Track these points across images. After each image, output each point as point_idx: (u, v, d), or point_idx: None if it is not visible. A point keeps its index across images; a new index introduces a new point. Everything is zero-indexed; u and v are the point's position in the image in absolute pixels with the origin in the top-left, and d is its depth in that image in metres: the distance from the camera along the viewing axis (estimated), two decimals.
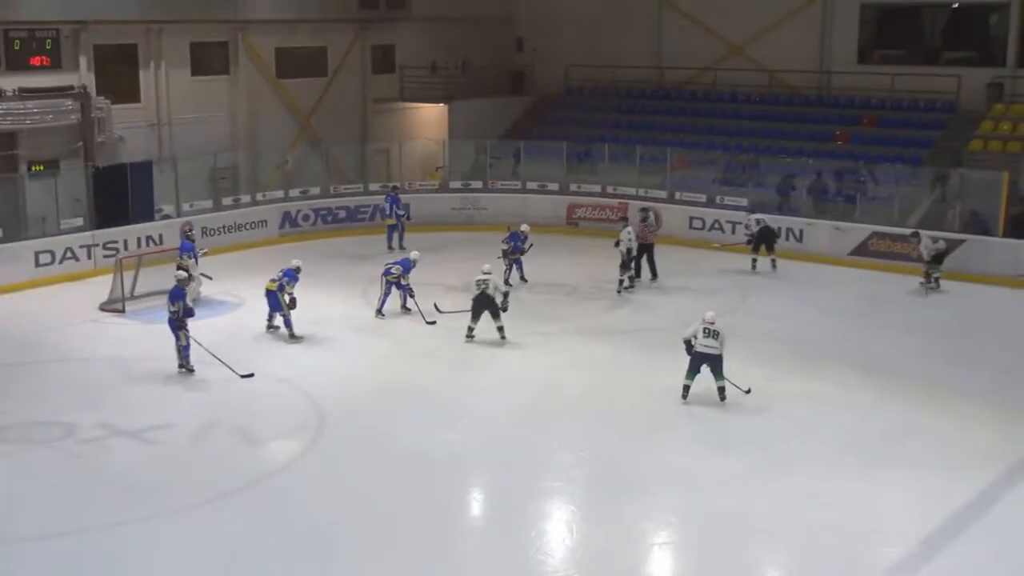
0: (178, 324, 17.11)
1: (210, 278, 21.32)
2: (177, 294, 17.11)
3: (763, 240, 24.12)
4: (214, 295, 21.48)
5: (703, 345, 15.57)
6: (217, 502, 12.93)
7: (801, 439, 14.79)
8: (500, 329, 18.77)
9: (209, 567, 11.51)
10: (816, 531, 12.20)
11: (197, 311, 20.57)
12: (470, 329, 18.88)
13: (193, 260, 20.89)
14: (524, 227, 22.68)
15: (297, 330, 18.99)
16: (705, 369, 15.66)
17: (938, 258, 22.32)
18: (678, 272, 24.03)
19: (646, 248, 22.90)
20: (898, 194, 25.47)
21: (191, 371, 17.19)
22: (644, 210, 24.02)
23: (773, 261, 24.03)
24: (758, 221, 24.22)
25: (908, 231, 23.36)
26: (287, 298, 18.91)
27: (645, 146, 29.42)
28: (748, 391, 15.86)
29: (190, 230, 21.97)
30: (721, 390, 15.64)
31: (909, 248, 23.38)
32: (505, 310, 18.76)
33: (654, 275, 23.06)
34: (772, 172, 27.86)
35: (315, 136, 31.52)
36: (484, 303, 18.67)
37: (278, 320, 19.16)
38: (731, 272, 24.02)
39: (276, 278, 19.00)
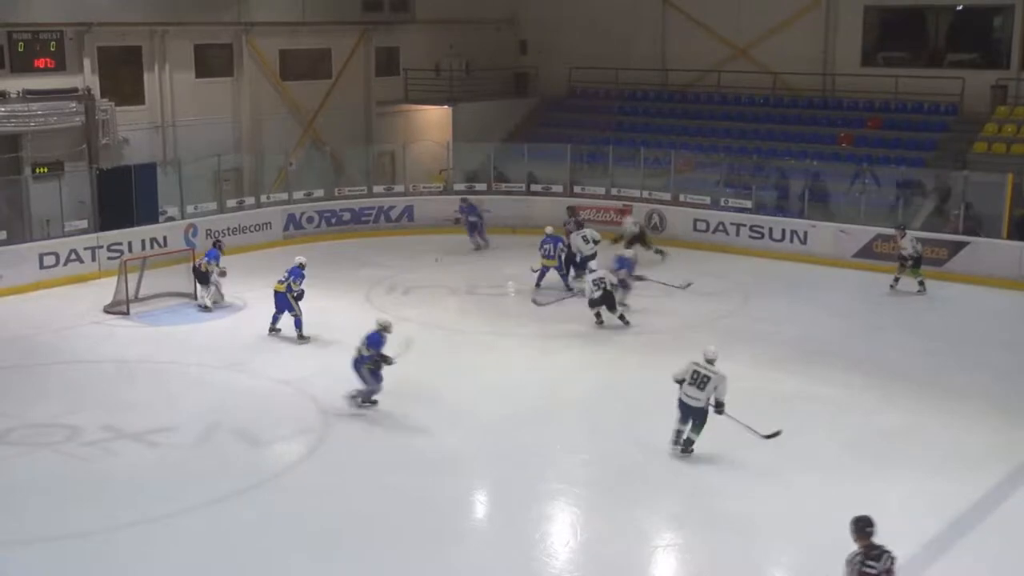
0: (373, 368, 15.67)
1: (222, 296, 21.39)
2: (375, 340, 15.57)
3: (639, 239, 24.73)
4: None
5: (684, 394, 13.69)
6: (220, 504, 12.94)
7: (805, 441, 14.74)
8: (621, 317, 19.98)
9: (212, 569, 11.53)
10: (820, 533, 12.16)
11: (192, 314, 20.76)
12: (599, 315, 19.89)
13: (218, 267, 20.95)
14: (548, 229, 22.84)
15: (290, 333, 19.06)
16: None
17: (918, 261, 22.22)
18: (682, 274, 24.01)
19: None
20: (902, 196, 25.42)
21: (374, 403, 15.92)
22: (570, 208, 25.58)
23: (659, 251, 24.68)
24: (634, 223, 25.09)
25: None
26: (295, 295, 18.95)
27: (649, 148, 29.40)
28: (776, 434, 13.99)
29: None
30: (687, 443, 13.83)
31: None
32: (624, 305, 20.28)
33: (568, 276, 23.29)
34: (774, 174, 27.90)
35: (319, 138, 31.56)
36: (605, 299, 19.69)
37: (282, 323, 19.15)
38: (735, 274, 24.01)
39: (283, 279, 19.02)
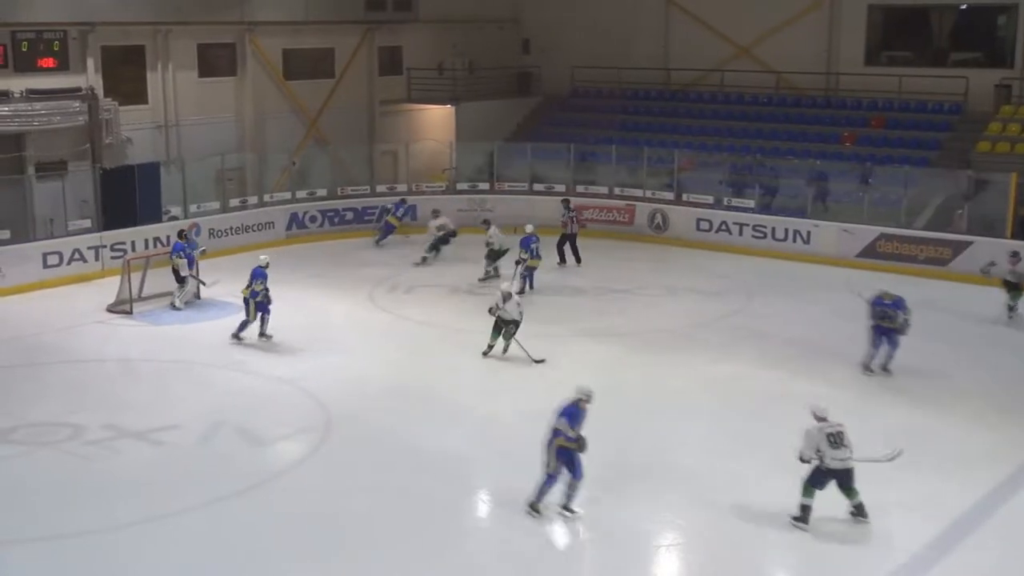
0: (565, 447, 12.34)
1: (203, 283, 21.35)
2: (571, 413, 12.47)
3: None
4: (219, 296, 21.51)
5: (835, 459, 12.03)
6: (223, 503, 12.95)
7: None
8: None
9: (214, 568, 11.55)
10: (821, 534, 12.18)
11: (195, 313, 20.74)
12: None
13: (185, 261, 20.93)
14: (529, 227, 22.70)
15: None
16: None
17: (1018, 285, 20.63)
18: (685, 273, 24.06)
19: (568, 237, 24.60)
20: (906, 196, 25.39)
21: (539, 513, 12.48)
22: (565, 201, 25.45)
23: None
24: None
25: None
26: (259, 298, 18.68)
27: (652, 147, 29.40)
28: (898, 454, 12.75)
29: (190, 232, 21.78)
30: (859, 508, 12.28)
31: (916, 250, 23.35)
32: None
33: (578, 261, 24.63)
34: (778, 174, 27.87)
35: (322, 137, 31.58)
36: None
37: (272, 325, 18.97)
38: (738, 274, 23.99)
39: (248, 283, 18.82)
